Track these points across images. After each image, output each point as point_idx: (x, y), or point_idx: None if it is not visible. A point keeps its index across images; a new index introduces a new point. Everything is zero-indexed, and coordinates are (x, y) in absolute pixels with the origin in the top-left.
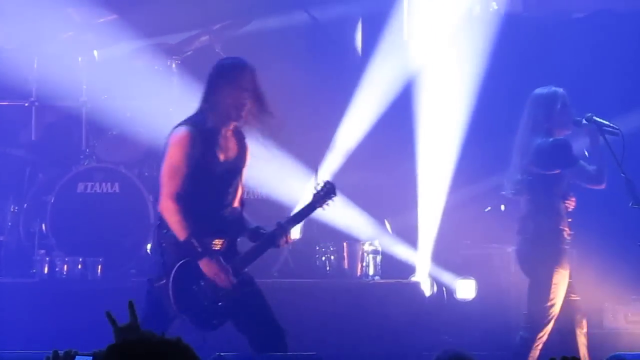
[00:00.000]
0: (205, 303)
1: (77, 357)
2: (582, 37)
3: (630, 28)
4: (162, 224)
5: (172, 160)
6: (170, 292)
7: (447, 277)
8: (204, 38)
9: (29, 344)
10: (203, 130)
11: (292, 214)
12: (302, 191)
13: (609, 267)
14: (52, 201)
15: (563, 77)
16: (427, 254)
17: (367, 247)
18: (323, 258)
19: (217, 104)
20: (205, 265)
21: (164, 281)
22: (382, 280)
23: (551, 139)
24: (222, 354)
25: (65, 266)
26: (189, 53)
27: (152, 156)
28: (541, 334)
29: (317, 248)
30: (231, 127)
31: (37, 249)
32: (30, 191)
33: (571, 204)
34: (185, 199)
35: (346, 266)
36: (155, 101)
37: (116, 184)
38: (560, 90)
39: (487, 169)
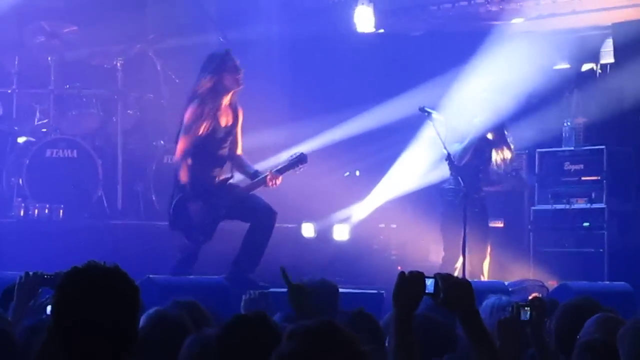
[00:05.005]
0: (196, 223)
1: (43, 276)
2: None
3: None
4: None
5: (184, 125)
6: (170, 217)
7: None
8: (139, 45)
9: (7, 266)
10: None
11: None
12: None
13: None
14: (27, 162)
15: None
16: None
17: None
18: None
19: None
20: (190, 205)
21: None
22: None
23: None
24: (151, 276)
25: (36, 210)
26: (130, 55)
27: (102, 130)
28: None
29: None
30: (228, 98)
31: (16, 197)
32: (11, 155)
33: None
34: (191, 155)
35: None
36: (105, 89)
37: (75, 151)
38: None
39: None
